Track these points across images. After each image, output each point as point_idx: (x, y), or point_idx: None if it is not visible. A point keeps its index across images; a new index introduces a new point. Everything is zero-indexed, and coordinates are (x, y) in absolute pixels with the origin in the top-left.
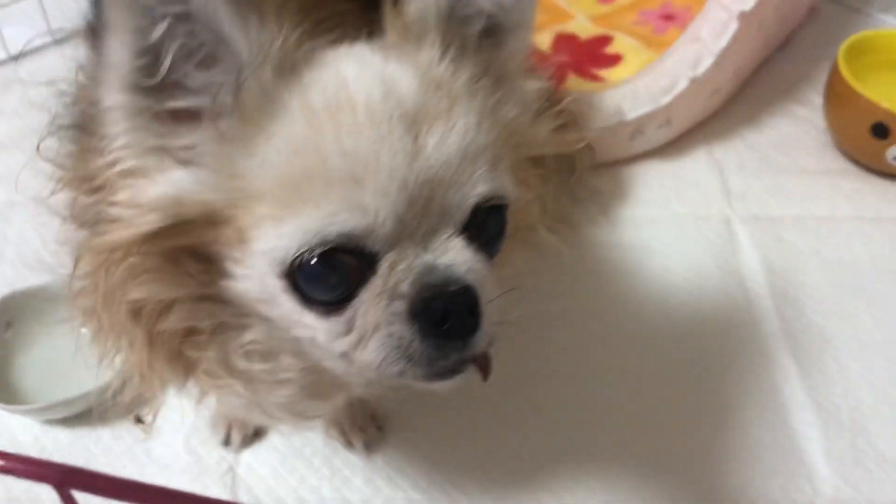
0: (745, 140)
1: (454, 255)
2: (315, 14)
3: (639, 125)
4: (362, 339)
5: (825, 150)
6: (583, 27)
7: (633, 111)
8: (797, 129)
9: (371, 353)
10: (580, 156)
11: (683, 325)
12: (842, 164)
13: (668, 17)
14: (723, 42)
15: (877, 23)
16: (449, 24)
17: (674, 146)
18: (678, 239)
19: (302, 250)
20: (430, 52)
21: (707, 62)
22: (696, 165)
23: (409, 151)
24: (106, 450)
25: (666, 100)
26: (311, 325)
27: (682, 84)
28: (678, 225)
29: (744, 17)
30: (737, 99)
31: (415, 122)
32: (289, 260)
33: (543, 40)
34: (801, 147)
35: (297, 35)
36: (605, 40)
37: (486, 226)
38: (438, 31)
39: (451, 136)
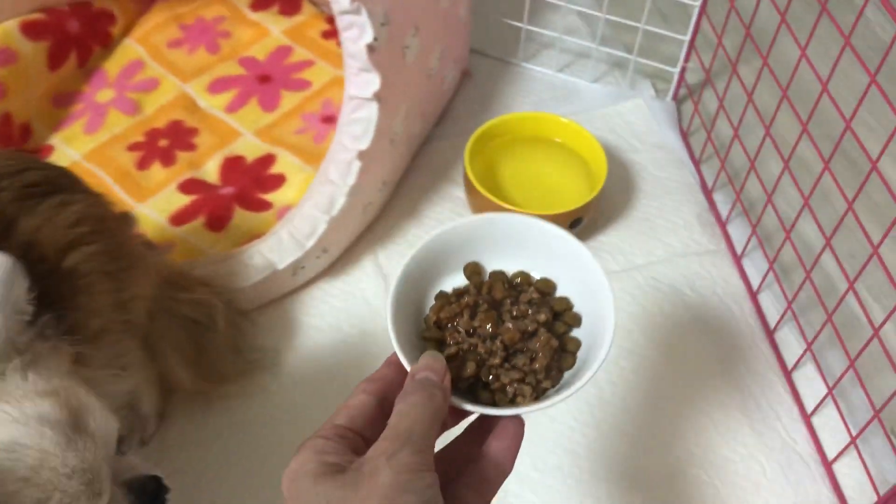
0: (406, 236)
1: None
2: None
3: (295, 266)
4: None
5: None
6: (250, 146)
7: (282, 261)
8: (453, 214)
9: None
10: (219, 313)
11: None
12: None
13: (328, 119)
14: (351, 180)
15: (523, 71)
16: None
17: (342, 261)
18: (349, 366)
19: None
20: None
21: (340, 202)
22: (364, 276)
23: None
24: None
25: (311, 243)
26: None
27: (322, 227)
28: (347, 346)
29: (363, 154)
30: (397, 193)
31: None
32: None
33: (212, 169)
34: None
35: None
36: (269, 160)
37: None
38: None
39: None
